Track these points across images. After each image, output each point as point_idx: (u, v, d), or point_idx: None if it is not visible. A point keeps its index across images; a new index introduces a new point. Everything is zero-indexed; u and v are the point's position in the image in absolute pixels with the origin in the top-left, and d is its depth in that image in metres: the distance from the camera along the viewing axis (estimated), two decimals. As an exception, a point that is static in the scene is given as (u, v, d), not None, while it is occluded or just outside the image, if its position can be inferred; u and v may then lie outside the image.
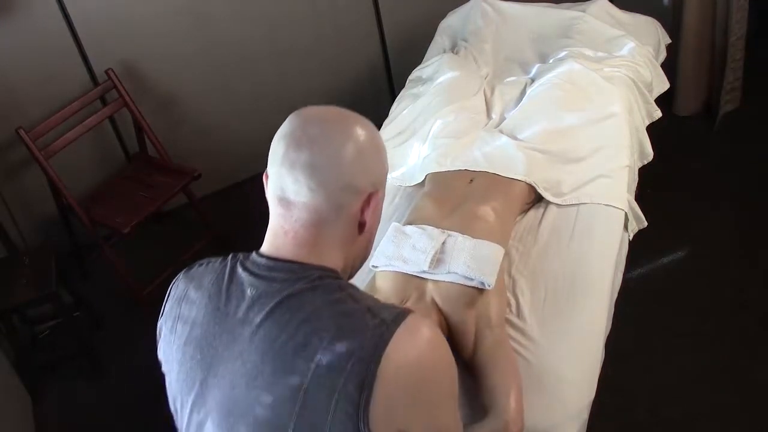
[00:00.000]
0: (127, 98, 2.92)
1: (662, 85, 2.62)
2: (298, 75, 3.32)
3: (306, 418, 0.97)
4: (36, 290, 2.52)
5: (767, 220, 2.72)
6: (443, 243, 1.75)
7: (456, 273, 1.68)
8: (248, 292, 1.06)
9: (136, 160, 3.12)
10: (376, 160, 1.10)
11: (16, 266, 2.63)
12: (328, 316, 1.00)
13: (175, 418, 1.14)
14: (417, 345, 0.99)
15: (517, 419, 1.49)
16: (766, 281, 2.50)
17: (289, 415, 0.98)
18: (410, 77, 2.81)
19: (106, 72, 2.88)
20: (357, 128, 1.07)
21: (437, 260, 1.72)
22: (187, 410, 1.09)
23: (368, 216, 1.08)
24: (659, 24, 2.81)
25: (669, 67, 2.75)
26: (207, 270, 1.14)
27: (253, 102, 3.31)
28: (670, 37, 2.86)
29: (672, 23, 3.07)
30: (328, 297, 1.02)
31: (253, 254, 1.10)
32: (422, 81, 2.72)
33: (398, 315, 1.00)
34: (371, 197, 1.08)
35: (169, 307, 1.15)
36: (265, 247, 1.10)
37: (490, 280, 1.67)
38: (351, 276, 1.16)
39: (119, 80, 2.90)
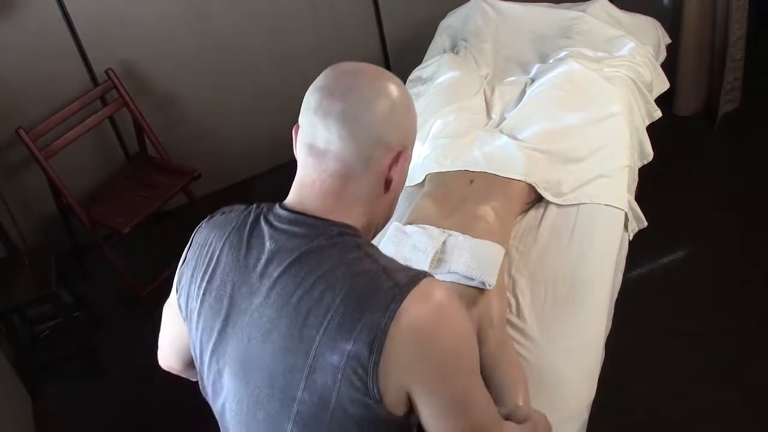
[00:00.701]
0: (127, 98, 2.92)
1: (662, 85, 2.62)
2: (298, 75, 3.30)
3: (317, 374, 0.99)
4: (36, 290, 2.52)
5: (767, 220, 2.72)
6: (444, 243, 1.75)
7: (457, 273, 1.68)
8: (268, 245, 1.07)
9: (136, 160, 3.12)
10: (407, 118, 1.11)
11: (16, 266, 2.63)
12: (342, 275, 1.01)
13: (195, 363, 1.16)
14: (428, 308, 0.99)
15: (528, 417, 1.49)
16: (766, 281, 2.50)
17: (301, 370, 1.00)
18: (410, 77, 2.81)
19: (106, 72, 2.88)
20: (391, 84, 1.09)
21: (438, 260, 1.72)
22: (207, 357, 1.12)
23: (396, 174, 1.09)
24: (659, 24, 2.80)
25: (669, 67, 2.75)
26: (229, 218, 1.15)
27: (253, 102, 3.31)
28: (670, 37, 2.85)
29: (672, 23, 3.07)
30: (346, 255, 1.03)
31: (277, 206, 1.11)
32: (422, 81, 2.72)
33: (413, 278, 1.01)
34: (400, 155, 1.09)
35: (191, 255, 1.17)
36: (290, 199, 1.11)
37: (490, 280, 1.66)
38: (373, 236, 1.16)
39: (119, 80, 2.90)
